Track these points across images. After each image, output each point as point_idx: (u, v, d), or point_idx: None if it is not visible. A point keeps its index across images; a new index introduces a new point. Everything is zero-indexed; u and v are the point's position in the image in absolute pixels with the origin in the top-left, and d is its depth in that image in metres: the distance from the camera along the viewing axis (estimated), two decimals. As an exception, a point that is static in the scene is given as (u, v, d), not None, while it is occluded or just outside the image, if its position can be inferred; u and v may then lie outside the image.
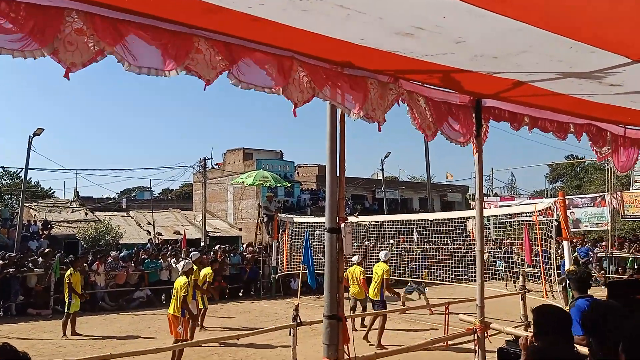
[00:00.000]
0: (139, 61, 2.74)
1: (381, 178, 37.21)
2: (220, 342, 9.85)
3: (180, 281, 9.38)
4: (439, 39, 3.10)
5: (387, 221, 18.11)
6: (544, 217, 12.58)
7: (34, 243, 22.10)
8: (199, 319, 12.58)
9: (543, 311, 3.16)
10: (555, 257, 12.60)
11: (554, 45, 3.14)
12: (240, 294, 18.73)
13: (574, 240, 17.46)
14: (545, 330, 3.02)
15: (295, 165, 41.59)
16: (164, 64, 2.82)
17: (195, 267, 11.51)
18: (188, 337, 9.11)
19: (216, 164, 39.59)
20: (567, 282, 5.85)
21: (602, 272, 20.21)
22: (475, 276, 12.50)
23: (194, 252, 13.14)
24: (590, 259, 19.59)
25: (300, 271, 11.08)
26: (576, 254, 17.27)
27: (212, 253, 18.73)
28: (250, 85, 3.14)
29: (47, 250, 17.00)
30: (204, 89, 3.02)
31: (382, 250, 12.83)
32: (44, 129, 22.01)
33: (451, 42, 3.12)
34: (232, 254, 19.75)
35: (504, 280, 16.18)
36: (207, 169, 31.89)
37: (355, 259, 11.92)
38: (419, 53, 3.34)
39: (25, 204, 25.43)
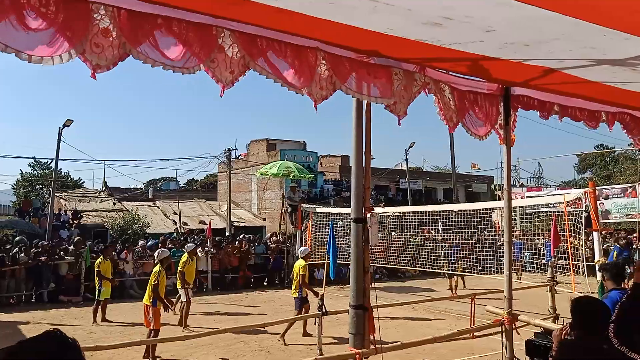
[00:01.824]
0: (163, 58, 2.77)
1: (405, 168, 36.94)
2: (246, 330, 9.95)
3: (155, 270, 9.38)
4: (467, 28, 3.05)
5: (412, 212, 17.98)
6: (572, 208, 12.35)
7: (64, 232, 22.64)
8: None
9: (580, 303, 3.10)
10: (584, 249, 12.38)
11: (587, 32, 3.06)
12: (265, 283, 18.89)
13: (603, 232, 17.09)
14: (580, 322, 2.96)
15: (318, 155, 41.60)
16: (187, 61, 2.84)
17: (187, 258, 11.62)
18: (159, 327, 8.89)
19: (240, 155, 39.84)
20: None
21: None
22: (500, 267, 12.39)
23: (188, 244, 13.15)
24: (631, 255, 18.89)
25: (325, 261, 11.11)
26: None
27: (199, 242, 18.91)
28: (278, 79, 3.14)
29: (77, 239, 17.40)
30: (221, 95, 3.04)
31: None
32: (73, 121, 22.43)
33: (480, 31, 3.07)
34: (256, 244, 19.92)
35: (519, 271, 15.88)
36: (231, 159, 32.13)
37: (301, 250, 11.20)
38: (447, 42, 3.30)
39: (55, 194, 26.02)
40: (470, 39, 3.24)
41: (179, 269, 11.46)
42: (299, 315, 9.79)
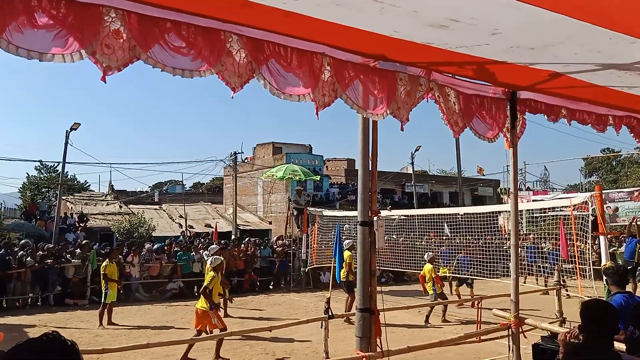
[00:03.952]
0: (172, 63, 2.79)
1: (411, 172, 36.90)
2: (251, 334, 9.96)
3: (209, 275, 9.49)
4: (474, 31, 3.06)
5: (417, 215, 17.97)
6: (578, 211, 12.32)
7: (70, 235, 22.75)
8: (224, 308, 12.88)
9: (589, 307, 3.09)
10: (591, 253, 12.33)
11: (593, 36, 3.06)
12: (271, 287, 18.92)
13: (609, 236, 16.98)
14: (589, 326, 2.96)
15: (324, 159, 41.63)
16: (197, 65, 2.87)
17: (214, 275, 11.55)
18: (225, 326, 9.14)
19: (246, 158, 39.92)
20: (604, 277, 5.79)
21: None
22: (507, 271, 12.35)
23: (215, 257, 12.72)
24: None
25: (332, 265, 11.13)
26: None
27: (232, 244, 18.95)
28: (279, 92, 3.16)
29: (84, 242, 17.49)
30: (232, 97, 3.06)
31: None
32: (80, 124, 22.56)
33: (487, 33, 3.08)
34: (262, 247, 19.95)
35: (524, 275, 15.73)
36: (237, 163, 32.20)
37: (346, 243, 12.24)
38: (454, 45, 3.31)
39: (62, 197, 26.14)
40: (477, 42, 3.25)
41: (205, 284, 11.02)
42: (308, 318, 9.79)
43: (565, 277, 13.38)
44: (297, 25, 2.98)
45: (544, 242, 17.06)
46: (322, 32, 3.14)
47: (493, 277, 14.13)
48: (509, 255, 5.89)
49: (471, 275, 14.78)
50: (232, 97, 3.08)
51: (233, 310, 13.56)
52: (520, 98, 4.78)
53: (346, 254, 11.99)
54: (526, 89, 4.64)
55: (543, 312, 10.95)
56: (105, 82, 2.69)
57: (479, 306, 9.47)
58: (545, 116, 4.83)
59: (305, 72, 3.24)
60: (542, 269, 15.69)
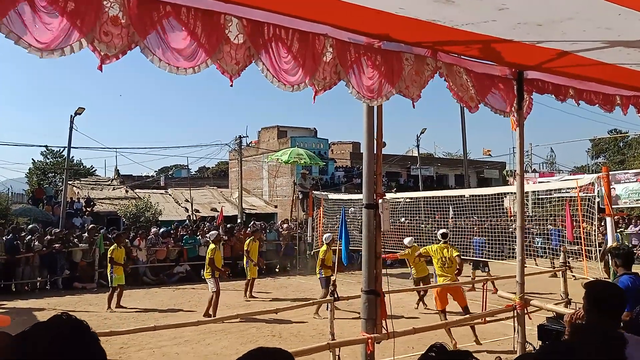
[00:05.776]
0: (170, 54, 2.75)
1: (416, 155, 36.75)
2: (258, 316, 10.03)
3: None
4: (480, 6, 3.00)
5: (423, 198, 17.91)
6: (584, 193, 12.25)
7: (77, 220, 22.88)
8: (249, 288, 13.54)
9: (594, 287, 3.08)
10: (597, 234, 12.28)
11: (602, 11, 3.00)
12: (277, 270, 19.01)
13: (616, 217, 16.88)
14: (594, 307, 2.94)
15: (329, 142, 41.54)
16: (195, 57, 2.81)
17: (215, 246, 11.79)
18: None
19: (251, 142, 39.87)
20: (610, 258, 5.79)
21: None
22: (512, 253, 12.33)
23: (211, 232, 13.44)
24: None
25: (337, 247, 11.13)
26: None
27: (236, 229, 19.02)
28: (276, 79, 3.11)
29: (91, 226, 17.60)
30: (231, 85, 3.02)
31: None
32: (84, 109, 22.43)
33: (493, 8, 3.02)
34: (268, 231, 20.02)
35: (534, 257, 15.68)
36: (242, 147, 32.17)
37: (326, 237, 12.00)
38: (459, 22, 3.25)
39: (68, 182, 26.22)
40: (483, 19, 3.18)
41: (208, 256, 11.62)
42: (317, 300, 9.86)
43: (571, 258, 13.36)
44: (300, 3, 2.93)
45: (549, 224, 16.99)
46: (325, 11, 3.09)
47: (498, 259, 14.12)
48: (515, 238, 5.87)
49: (484, 257, 14.67)
50: (231, 86, 3.04)
51: (239, 293, 13.66)
52: (527, 78, 4.72)
53: (322, 249, 11.71)
54: (533, 69, 4.58)
55: (549, 293, 10.96)
56: (102, 71, 2.64)
57: (484, 288, 9.48)
58: (553, 96, 4.77)
59: (305, 55, 3.19)
60: (543, 251, 15.67)
